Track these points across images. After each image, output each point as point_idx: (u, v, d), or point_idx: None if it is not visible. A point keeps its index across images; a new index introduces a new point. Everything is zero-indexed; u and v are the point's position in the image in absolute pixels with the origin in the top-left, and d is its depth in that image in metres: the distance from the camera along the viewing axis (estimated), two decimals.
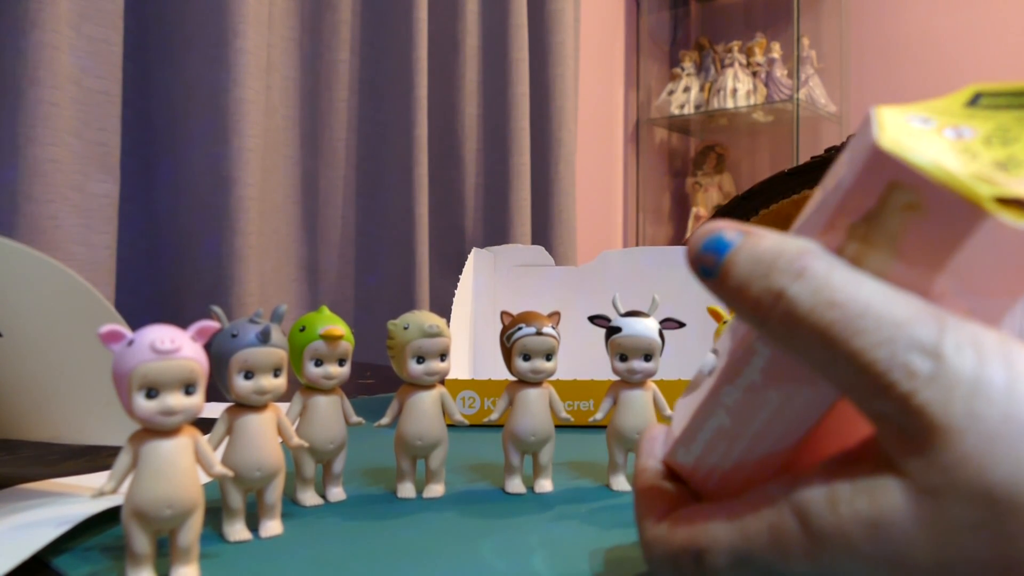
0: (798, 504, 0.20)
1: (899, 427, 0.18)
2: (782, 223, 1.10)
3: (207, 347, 0.31)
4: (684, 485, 0.26)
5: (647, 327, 0.40)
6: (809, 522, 0.19)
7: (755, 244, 0.20)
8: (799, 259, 0.20)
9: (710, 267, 0.21)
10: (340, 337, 0.37)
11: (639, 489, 0.26)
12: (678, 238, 2.35)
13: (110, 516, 0.34)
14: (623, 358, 0.40)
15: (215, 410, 0.44)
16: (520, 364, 0.40)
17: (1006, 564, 0.17)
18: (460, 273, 0.72)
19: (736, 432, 0.23)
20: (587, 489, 0.42)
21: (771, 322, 0.20)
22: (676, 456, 0.25)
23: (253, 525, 0.34)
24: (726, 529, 0.21)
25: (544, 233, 1.67)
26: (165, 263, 1.15)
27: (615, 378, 0.41)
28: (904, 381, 0.18)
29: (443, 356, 0.39)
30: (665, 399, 0.42)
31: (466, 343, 0.70)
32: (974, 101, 0.21)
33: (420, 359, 0.39)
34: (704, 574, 0.22)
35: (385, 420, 0.40)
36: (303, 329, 0.37)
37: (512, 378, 0.42)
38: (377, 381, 0.89)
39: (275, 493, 0.34)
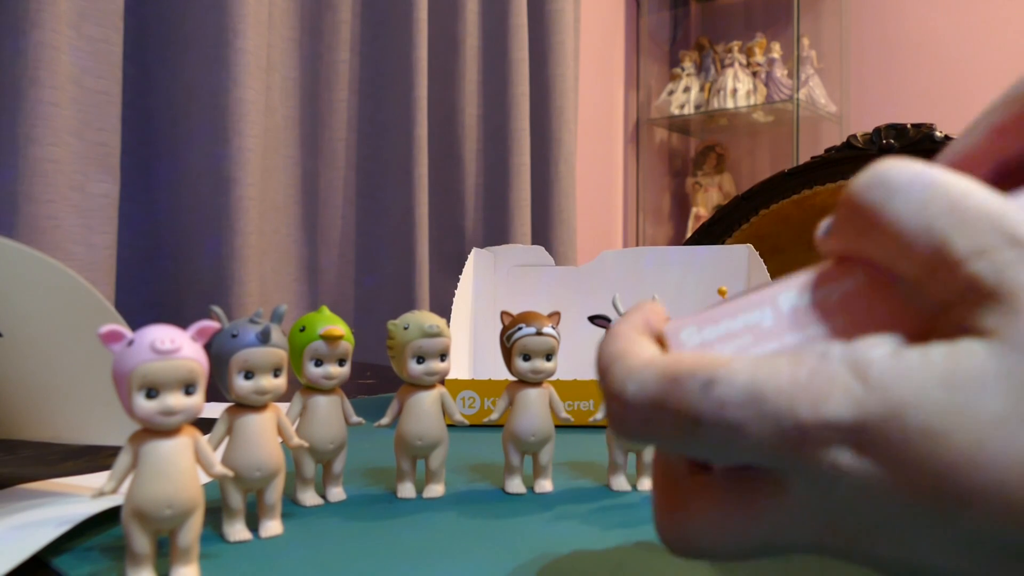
0: (856, 358, 0.18)
1: (991, 288, 0.18)
2: (782, 223, 1.10)
3: (207, 347, 0.31)
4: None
5: None
6: (869, 375, 0.18)
7: None
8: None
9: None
10: (340, 337, 0.37)
11: (621, 331, 0.22)
12: (678, 238, 2.35)
13: (110, 516, 0.34)
14: None
15: (215, 410, 0.44)
16: (520, 364, 0.40)
17: None
18: (460, 273, 0.72)
19: (772, 334, 0.22)
20: (587, 489, 0.42)
21: (870, 202, 0.19)
22: (679, 333, 0.23)
23: (253, 525, 0.34)
24: (751, 364, 0.19)
25: (544, 233, 1.67)
26: (165, 263, 1.16)
27: None
28: (1004, 247, 0.18)
29: (443, 356, 0.39)
30: None
31: (466, 343, 0.70)
32: None
33: (420, 359, 0.39)
34: (704, 405, 0.19)
35: (385, 420, 0.40)
36: (303, 329, 0.37)
37: (512, 378, 0.42)
38: (377, 381, 0.89)
39: (275, 493, 0.34)
